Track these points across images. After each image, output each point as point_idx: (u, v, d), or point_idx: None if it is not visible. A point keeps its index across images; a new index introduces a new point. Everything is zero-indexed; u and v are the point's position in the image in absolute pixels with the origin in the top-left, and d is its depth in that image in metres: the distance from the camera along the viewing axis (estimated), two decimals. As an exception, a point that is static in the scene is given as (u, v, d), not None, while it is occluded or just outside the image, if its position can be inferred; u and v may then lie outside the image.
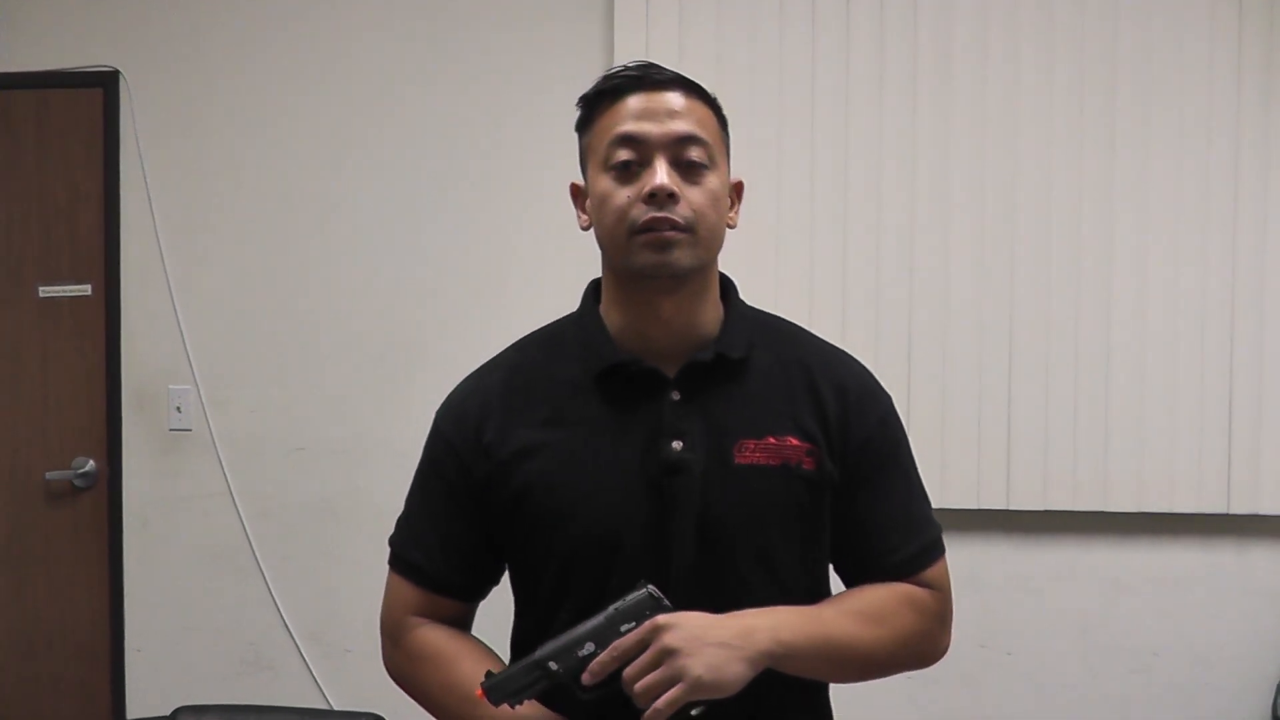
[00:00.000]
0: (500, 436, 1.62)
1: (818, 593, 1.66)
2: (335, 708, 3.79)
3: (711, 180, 1.58)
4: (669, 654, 1.45)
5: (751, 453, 1.59)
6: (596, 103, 1.62)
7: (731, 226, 1.66)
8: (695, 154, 1.57)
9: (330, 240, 3.83)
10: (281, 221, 3.84)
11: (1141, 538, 3.59)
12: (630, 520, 1.57)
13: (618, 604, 1.49)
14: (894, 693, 3.05)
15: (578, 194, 1.68)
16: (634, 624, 1.47)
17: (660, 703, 1.44)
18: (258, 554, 3.86)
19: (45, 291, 3.92)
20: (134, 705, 3.89)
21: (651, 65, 1.62)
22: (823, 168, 3.57)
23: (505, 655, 1.67)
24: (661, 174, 1.54)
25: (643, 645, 1.46)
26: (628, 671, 1.46)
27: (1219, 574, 3.59)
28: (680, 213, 1.55)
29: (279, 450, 3.86)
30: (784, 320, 1.75)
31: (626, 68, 1.62)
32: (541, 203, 3.71)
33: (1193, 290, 3.52)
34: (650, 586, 1.49)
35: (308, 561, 3.85)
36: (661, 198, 1.54)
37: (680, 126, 1.56)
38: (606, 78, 1.62)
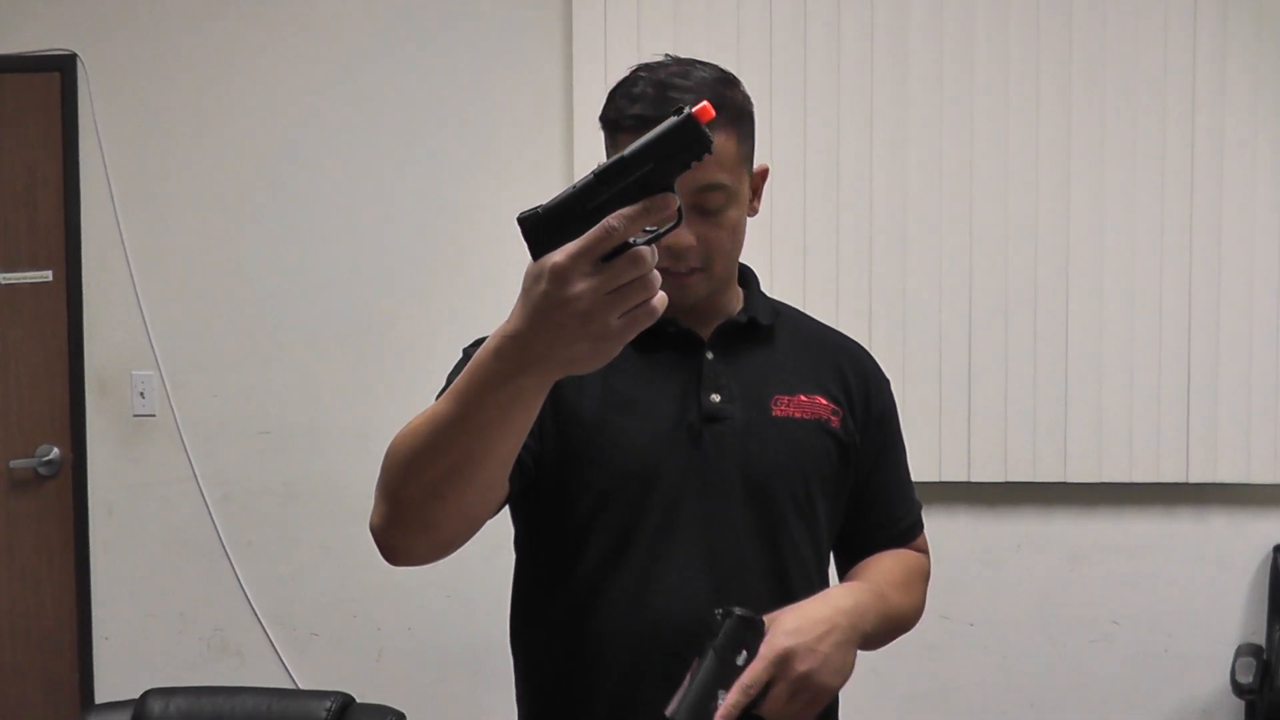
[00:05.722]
0: None
1: (827, 555, 1.74)
2: (304, 690, 3.80)
3: (730, 214, 1.59)
4: (803, 679, 1.46)
5: (786, 406, 1.65)
6: (614, 128, 1.56)
7: (751, 215, 1.66)
8: (715, 200, 1.56)
9: (292, 224, 3.81)
10: (242, 205, 3.82)
11: (1101, 508, 3.63)
12: (669, 462, 1.60)
13: (714, 642, 1.44)
14: (857, 665, 3.07)
15: None
16: (744, 653, 1.45)
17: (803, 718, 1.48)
18: (223, 539, 3.85)
19: (5, 279, 3.89)
20: (101, 693, 3.86)
21: (673, 87, 1.53)
22: (780, 159, 3.56)
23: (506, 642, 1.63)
24: (683, 235, 1.51)
25: (770, 677, 1.45)
26: (769, 710, 1.45)
27: (1178, 543, 3.63)
28: (697, 256, 1.58)
29: (243, 435, 3.85)
30: (796, 308, 1.82)
31: (644, 86, 1.53)
32: (506, 187, 3.71)
33: (1150, 263, 3.55)
34: (736, 610, 1.45)
35: (273, 546, 3.85)
36: (678, 252, 1.55)
37: (702, 176, 1.50)
38: (623, 102, 1.54)
